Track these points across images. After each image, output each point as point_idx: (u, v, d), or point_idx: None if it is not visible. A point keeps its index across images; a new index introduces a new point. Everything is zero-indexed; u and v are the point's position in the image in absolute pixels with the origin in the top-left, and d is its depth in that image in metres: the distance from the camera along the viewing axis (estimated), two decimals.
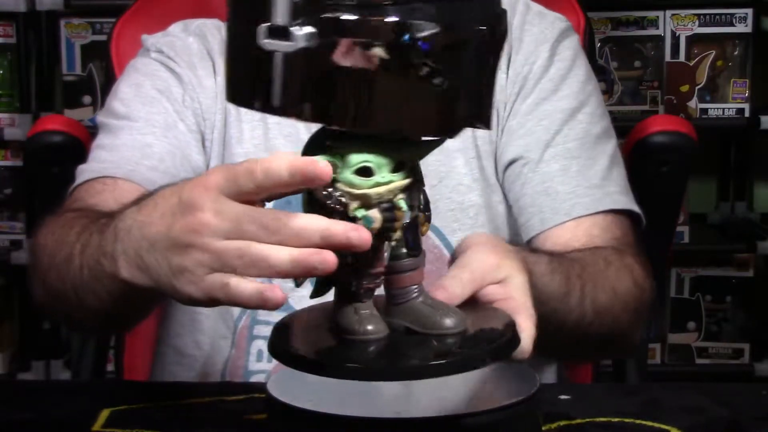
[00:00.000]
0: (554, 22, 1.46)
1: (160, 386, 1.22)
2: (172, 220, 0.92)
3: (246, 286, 0.89)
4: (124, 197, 1.20)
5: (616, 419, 1.12)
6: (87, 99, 3.04)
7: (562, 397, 1.17)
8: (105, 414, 1.14)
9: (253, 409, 1.13)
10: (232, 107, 1.40)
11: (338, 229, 0.87)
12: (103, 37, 2.88)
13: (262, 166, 0.87)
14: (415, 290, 0.94)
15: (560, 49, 1.44)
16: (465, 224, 1.39)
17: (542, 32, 1.44)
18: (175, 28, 1.48)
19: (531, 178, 1.37)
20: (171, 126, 1.38)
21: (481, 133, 1.37)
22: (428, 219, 0.94)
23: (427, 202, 0.93)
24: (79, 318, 1.20)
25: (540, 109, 1.40)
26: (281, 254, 0.87)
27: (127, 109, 1.39)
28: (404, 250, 0.93)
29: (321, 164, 0.86)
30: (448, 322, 0.93)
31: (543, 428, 1.08)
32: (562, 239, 1.33)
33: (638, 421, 1.11)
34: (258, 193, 0.89)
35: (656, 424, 1.10)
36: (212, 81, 1.42)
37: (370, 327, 0.92)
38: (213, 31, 1.46)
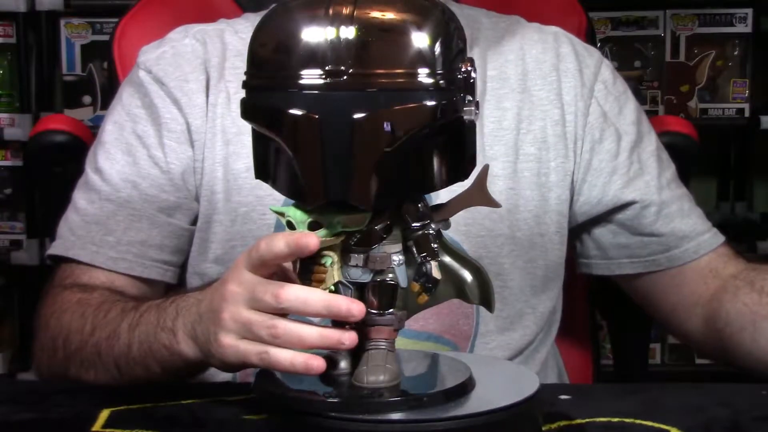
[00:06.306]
0: (599, 55, 1.47)
1: (160, 386, 1.22)
2: (213, 295, 1.09)
3: (284, 355, 1.03)
4: (98, 279, 1.36)
5: (616, 419, 1.12)
6: (87, 99, 3.04)
7: (562, 397, 1.17)
8: (105, 414, 1.14)
9: (253, 409, 1.14)
10: (229, 122, 1.38)
11: (340, 303, 1.01)
12: (104, 37, 2.90)
13: (264, 244, 1.02)
14: (381, 344, 1.04)
15: (620, 87, 1.46)
16: (492, 252, 1.37)
17: (597, 66, 1.45)
18: (174, 32, 1.45)
19: (654, 221, 1.44)
20: (144, 176, 1.38)
21: (541, 167, 1.40)
22: (426, 290, 1.05)
23: (426, 274, 1.04)
24: (112, 383, 1.26)
25: (636, 153, 1.43)
26: (312, 331, 1.02)
27: (106, 159, 1.40)
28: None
29: (309, 239, 0.99)
30: (371, 378, 1.03)
31: (543, 428, 1.08)
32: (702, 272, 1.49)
33: (638, 421, 1.11)
34: (266, 265, 1.03)
35: (656, 424, 1.10)
36: (203, 98, 1.39)
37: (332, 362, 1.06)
38: (214, 39, 1.43)
